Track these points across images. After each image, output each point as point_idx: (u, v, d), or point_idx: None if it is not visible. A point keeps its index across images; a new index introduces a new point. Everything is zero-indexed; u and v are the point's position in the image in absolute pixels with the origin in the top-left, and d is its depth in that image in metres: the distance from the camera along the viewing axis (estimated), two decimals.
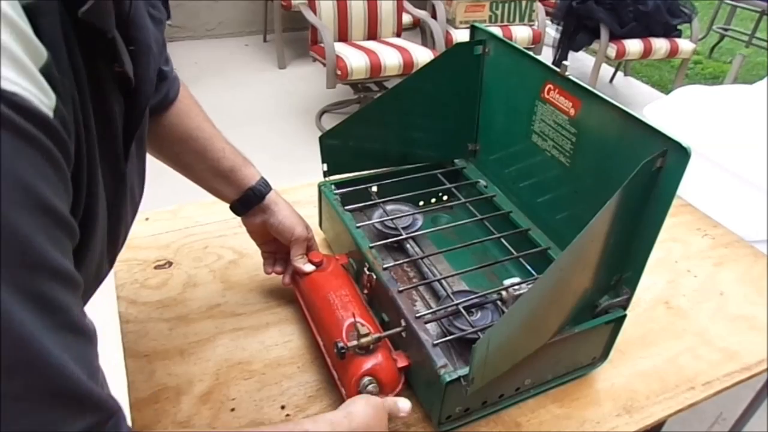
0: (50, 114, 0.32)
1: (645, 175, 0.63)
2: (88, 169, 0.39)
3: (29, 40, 0.32)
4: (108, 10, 0.41)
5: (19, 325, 0.28)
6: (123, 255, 0.65)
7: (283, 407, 0.72)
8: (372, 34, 3.17)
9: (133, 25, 0.47)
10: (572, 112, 0.77)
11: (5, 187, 0.28)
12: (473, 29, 0.92)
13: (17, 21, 0.31)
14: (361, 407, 0.59)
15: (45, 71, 0.33)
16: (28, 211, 0.30)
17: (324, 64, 2.85)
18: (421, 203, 1.01)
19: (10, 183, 0.28)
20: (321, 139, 0.91)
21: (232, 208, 0.81)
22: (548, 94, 0.80)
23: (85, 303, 0.43)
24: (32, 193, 0.30)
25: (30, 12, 0.33)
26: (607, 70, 4.12)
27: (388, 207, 0.93)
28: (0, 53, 0.29)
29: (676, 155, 0.61)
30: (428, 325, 0.71)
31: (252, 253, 0.93)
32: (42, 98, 0.31)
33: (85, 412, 0.33)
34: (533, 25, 3.64)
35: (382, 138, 0.96)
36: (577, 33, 3.54)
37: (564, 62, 0.75)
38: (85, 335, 0.34)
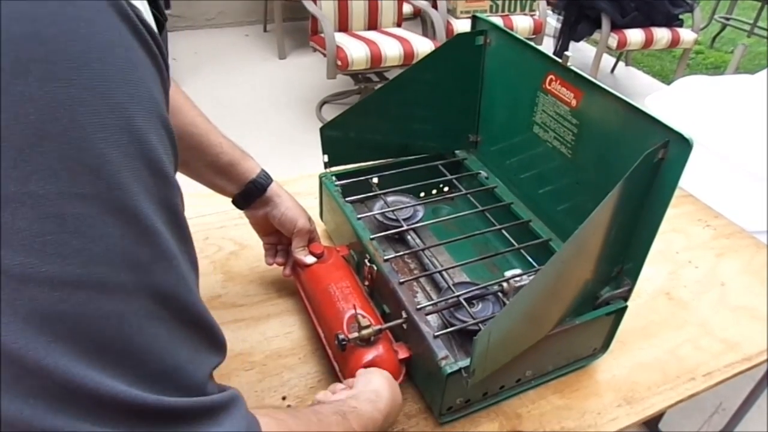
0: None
1: (647, 166, 0.62)
2: None
3: None
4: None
5: None
6: None
7: (284, 398, 0.73)
8: (372, 24, 3.15)
9: None
10: (574, 103, 0.76)
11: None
12: (475, 19, 0.92)
13: None
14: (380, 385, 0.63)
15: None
16: (152, 106, 0.32)
17: (324, 55, 2.83)
18: (422, 194, 1.01)
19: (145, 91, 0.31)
20: (321, 130, 0.90)
21: (234, 202, 0.80)
22: (550, 85, 0.80)
23: None
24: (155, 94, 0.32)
25: None
26: (608, 60, 4.10)
27: (389, 198, 0.92)
28: None
29: (678, 146, 0.61)
30: (429, 317, 0.71)
31: (253, 244, 0.93)
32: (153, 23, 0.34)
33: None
34: (534, 14, 3.62)
35: (383, 129, 0.96)
36: (578, 23, 3.52)
37: (566, 53, 0.75)
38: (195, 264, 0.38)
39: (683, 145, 0.60)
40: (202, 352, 0.36)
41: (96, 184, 0.27)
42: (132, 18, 0.30)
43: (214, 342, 0.38)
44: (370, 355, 0.69)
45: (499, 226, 0.87)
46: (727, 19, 4.97)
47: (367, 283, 0.80)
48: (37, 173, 0.25)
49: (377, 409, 0.59)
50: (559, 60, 0.77)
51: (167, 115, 0.34)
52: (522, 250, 0.84)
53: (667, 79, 4.18)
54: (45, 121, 0.26)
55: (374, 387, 0.62)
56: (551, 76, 0.79)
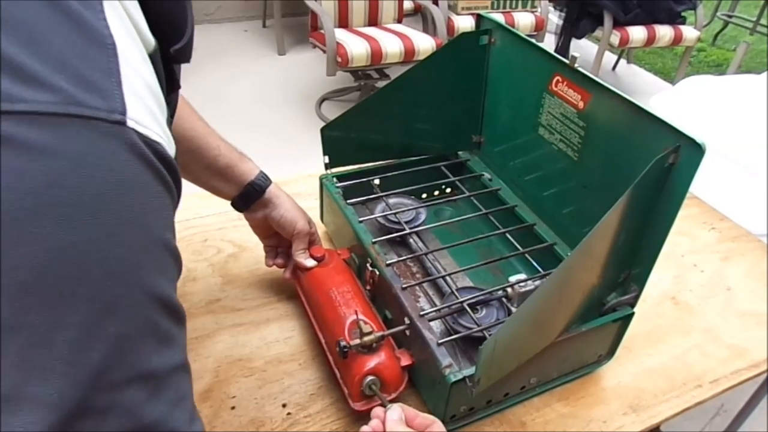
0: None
1: (657, 172, 0.61)
2: None
3: (159, 97, 0.36)
4: (192, 45, 0.44)
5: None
6: None
7: (284, 405, 0.71)
8: (373, 20, 3.13)
9: None
10: (581, 105, 0.75)
11: (145, 220, 0.32)
12: (479, 18, 0.90)
13: (152, 82, 0.35)
14: None
15: (168, 123, 0.37)
16: (154, 246, 0.33)
17: (324, 51, 2.81)
18: (424, 196, 1.00)
19: (151, 217, 0.33)
20: (322, 130, 0.89)
21: (233, 204, 0.79)
22: (556, 86, 0.78)
23: None
24: (160, 228, 0.34)
25: (152, 61, 0.36)
26: (609, 57, 4.07)
27: (391, 200, 0.91)
28: (150, 111, 0.33)
29: (689, 151, 0.60)
30: (432, 323, 0.70)
31: (252, 246, 0.92)
32: (171, 148, 0.36)
33: None
34: (536, 11, 3.60)
35: (384, 130, 0.94)
36: (580, 19, 3.50)
37: (573, 54, 0.73)
38: (187, 371, 0.37)
39: (695, 150, 0.58)
40: None
41: (90, 311, 0.29)
42: (147, 156, 0.32)
43: None
44: (372, 362, 0.67)
45: (503, 230, 0.86)
46: (730, 16, 4.95)
47: (368, 287, 0.79)
48: (37, 306, 0.27)
49: None
50: (566, 60, 0.75)
51: (172, 239, 0.36)
52: (526, 254, 0.82)
53: (668, 76, 4.16)
54: (53, 260, 0.27)
55: None
56: (558, 78, 0.77)
